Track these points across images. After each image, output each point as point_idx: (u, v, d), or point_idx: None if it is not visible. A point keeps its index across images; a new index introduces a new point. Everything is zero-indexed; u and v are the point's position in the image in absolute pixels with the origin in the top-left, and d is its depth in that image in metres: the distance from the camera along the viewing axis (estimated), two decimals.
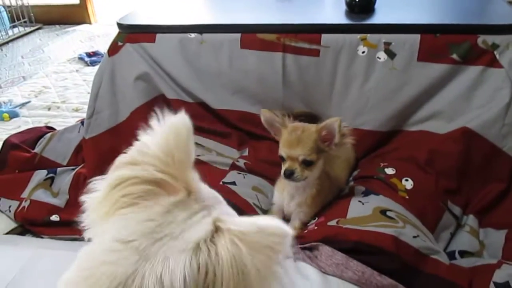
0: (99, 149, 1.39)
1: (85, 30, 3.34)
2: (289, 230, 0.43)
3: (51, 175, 1.39)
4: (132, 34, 1.44)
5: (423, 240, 0.96)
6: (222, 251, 0.41)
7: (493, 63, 1.20)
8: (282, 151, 1.03)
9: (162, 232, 0.43)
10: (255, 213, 1.11)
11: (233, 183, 1.18)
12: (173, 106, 1.44)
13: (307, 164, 1.01)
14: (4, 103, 2.11)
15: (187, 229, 0.44)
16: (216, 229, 0.43)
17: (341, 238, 0.93)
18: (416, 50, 1.24)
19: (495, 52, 1.20)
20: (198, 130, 1.42)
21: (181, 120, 0.50)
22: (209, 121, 1.42)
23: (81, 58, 2.66)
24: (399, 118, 1.30)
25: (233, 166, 1.28)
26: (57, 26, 3.49)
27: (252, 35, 1.34)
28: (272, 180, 1.22)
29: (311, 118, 1.29)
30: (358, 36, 1.28)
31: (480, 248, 1.07)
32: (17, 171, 1.42)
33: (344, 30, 1.31)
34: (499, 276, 0.90)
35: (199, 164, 1.28)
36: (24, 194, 1.33)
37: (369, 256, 0.89)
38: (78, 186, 1.32)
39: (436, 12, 1.48)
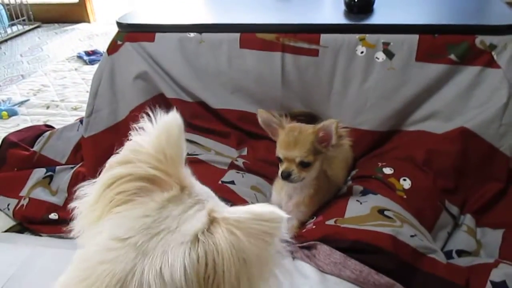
0: (98, 148, 1.39)
1: (84, 29, 3.34)
2: (283, 215, 0.44)
3: (50, 173, 1.39)
4: (131, 33, 1.44)
5: (420, 239, 0.97)
6: (220, 240, 0.42)
7: (491, 63, 1.20)
8: (279, 152, 1.03)
9: (158, 227, 0.44)
10: None
11: (232, 182, 1.18)
12: (172, 105, 1.44)
13: (304, 165, 1.01)
14: (3, 101, 2.11)
15: (183, 223, 0.45)
16: (212, 220, 0.44)
17: (339, 237, 0.94)
18: (415, 50, 1.24)
19: (493, 53, 1.20)
20: (197, 129, 1.42)
21: (172, 118, 0.51)
22: (208, 120, 1.43)
23: (80, 57, 2.66)
24: (397, 118, 1.30)
25: (232, 166, 1.28)
26: (56, 24, 3.49)
27: (251, 35, 1.35)
28: (271, 180, 1.22)
29: (310, 118, 1.30)
30: (357, 36, 1.28)
31: (477, 247, 1.08)
32: (16, 169, 1.42)
33: (343, 30, 1.31)
34: (496, 275, 0.91)
35: (198, 163, 1.30)
36: (23, 192, 1.33)
37: (367, 255, 0.89)
38: (77, 184, 1.31)
39: (434, 13, 1.48)
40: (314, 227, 1.02)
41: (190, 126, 1.43)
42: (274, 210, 0.44)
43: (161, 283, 0.41)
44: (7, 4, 3.22)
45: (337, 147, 1.03)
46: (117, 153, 0.51)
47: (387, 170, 1.18)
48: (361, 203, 1.04)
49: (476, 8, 1.47)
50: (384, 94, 1.29)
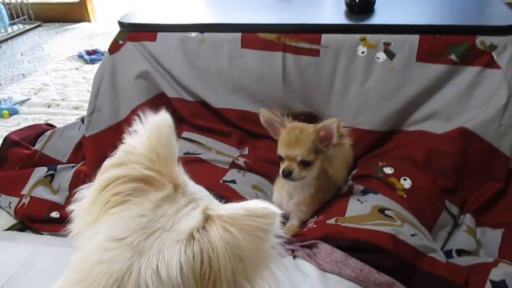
0: (99, 147, 1.40)
1: (85, 28, 3.34)
2: (277, 211, 0.44)
3: (51, 172, 1.39)
4: (133, 32, 1.44)
5: (420, 239, 0.97)
6: (215, 237, 0.43)
7: (491, 64, 1.21)
8: (281, 151, 1.04)
9: (154, 226, 0.44)
10: None
11: (233, 181, 1.19)
12: (174, 104, 1.44)
13: (305, 164, 1.02)
14: (4, 100, 2.11)
15: (178, 221, 0.45)
16: (207, 218, 0.44)
17: (340, 236, 0.94)
18: (415, 51, 1.25)
19: (493, 53, 1.21)
20: (198, 128, 1.43)
21: (162, 118, 0.51)
22: (209, 119, 1.43)
23: (80, 56, 2.66)
24: (398, 118, 1.31)
25: (233, 165, 1.28)
26: (57, 24, 3.48)
27: (252, 35, 1.35)
28: (272, 179, 1.22)
29: (311, 117, 1.31)
30: (358, 36, 1.29)
31: (477, 247, 1.08)
32: (17, 167, 1.43)
33: (344, 30, 1.32)
34: (495, 274, 0.91)
35: (199, 162, 1.30)
36: (24, 191, 1.33)
37: (368, 254, 0.90)
38: (78, 183, 1.32)
39: (435, 13, 1.49)
40: (315, 226, 1.03)
41: (191, 125, 1.44)
42: (267, 206, 0.44)
43: (158, 282, 0.41)
44: (8, 3, 3.22)
45: (338, 147, 1.03)
46: (112, 155, 0.52)
47: (388, 170, 1.18)
48: (361, 203, 1.05)
49: (477, 8, 1.48)
50: (385, 94, 1.29)
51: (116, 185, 0.47)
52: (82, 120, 1.56)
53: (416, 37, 1.25)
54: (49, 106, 2.07)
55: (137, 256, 0.42)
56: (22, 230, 1.28)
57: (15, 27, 3.27)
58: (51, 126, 1.69)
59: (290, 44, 1.32)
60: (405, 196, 1.10)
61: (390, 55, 1.27)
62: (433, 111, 1.27)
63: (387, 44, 1.27)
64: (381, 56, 1.28)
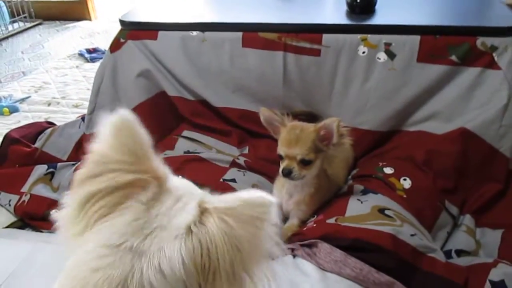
0: None
1: (85, 27, 3.34)
2: (272, 199, 0.44)
3: (51, 170, 1.39)
4: (134, 31, 1.45)
5: (420, 239, 0.97)
6: (213, 229, 0.43)
7: (492, 65, 1.21)
8: (281, 150, 1.04)
9: (150, 226, 0.44)
10: None
11: (233, 180, 1.19)
12: (174, 103, 1.45)
13: (305, 163, 1.02)
14: (4, 98, 2.11)
15: (174, 217, 0.45)
16: (203, 211, 0.44)
17: (340, 235, 0.94)
18: (416, 51, 1.25)
19: (494, 54, 1.21)
20: (199, 127, 1.43)
21: (122, 115, 0.49)
22: (209, 118, 1.43)
23: (81, 54, 2.66)
24: (398, 118, 1.31)
25: (233, 164, 1.28)
26: (57, 22, 3.48)
27: (253, 34, 1.35)
28: (272, 178, 1.22)
29: (311, 117, 1.31)
30: (359, 36, 1.29)
31: (477, 247, 1.08)
32: (17, 165, 1.43)
33: (345, 30, 1.32)
34: (495, 274, 0.91)
35: (200, 161, 1.30)
36: (24, 189, 1.33)
37: (367, 253, 0.90)
38: None
39: (436, 14, 1.49)
40: (314, 225, 1.03)
41: (191, 124, 1.44)
42: (262, 195, 0.44)
43: (162, 279, 0.41)
44: (9, 1, 3.21)
45: (338, 146, 1.03)
46: (80, 168, 0.50)
47: (388, 170, 1.18)
48: (361, 202, 1.05)
49: (477, 9, 1.48)
50: (385, 94, 1.30)
51: (99, 198, 0.45)
52: (83, 118, 1.56)
53: (417, 37, 1.25)
54: (49, 104, 2.06)
55: (137, 258, 0.42)
56: (22, 227, 1.28)
57: (15, 25, 3.27)
58: (51, 124, 1.69)
59: (291, 44, 1.32)
60: (405, 196, 1.10)
61: (391, 55, 1.27)
62: (434, 111, 1.27)
63: (388, 45, 1.27)
64: (382, 56, 1.28)
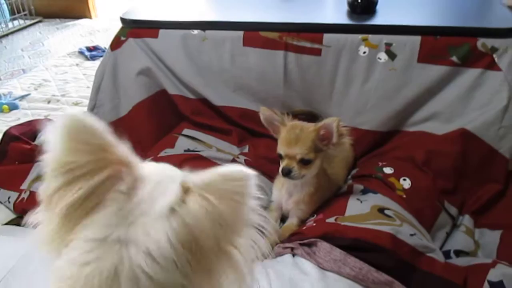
0: None
1: (86, 25, 3.34)
2: (250, 172, 0.44)
3: None
4: (135, 29, 1.45)
5: (419, 239, 0.97)
6: (194, 207, 0.43)
7: (492, 66, 1.22)
8: (281, 149, 1.04)
9: (134, 214, 0.44)
10: None
11: None
12: (175, 101, 1.44)
13: (305, 162, 1.02)
14: (4, 95, 2.10)
15: (157, 200, 0.45)
16: (185, 190, 0.44)
17: (339, 235, 0.94)
18: (417, 52, 1.25)
19: (494, 55, 1.22)
20: (199, 126, 1.43)
21: (68, 116, 0.46)
22: (210, 117, 1.44)
23: (81, 52, 2.65)
24: (398, 118, 1.31)
25: (234, 162, 1.28)
26: (58, 19, 3.48)
27: (255, 33, 1.35)
28: (272, 177, 1.22)
29: (311, 116, 1.31)
30: (360, 36, 1.29)
31: (475, 248, 1.09)
32: (16, 162, 1.42)
33: (346, 30, 1.32)
34: (493, 275, 0.91)
35: (200, 159, 1.30)
36: (24, 186, 1.33)
37: (367, 253, 0.90)
38: None
39: (437, 15, 1.49)
40: (314, 224, 1.03)
41: (192, 122, 1.44)
42: (241, 168, 0.44)
43: (152, 262, 0.42)
44: None
45: (338, 146, 1.04)
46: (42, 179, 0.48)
47: (387, 170, 1.19)
48: (361, 202, 1.05)
49: (478, 11, 1.48)
50: (386, 94, 1.30)
51: (79, 205, 0.44)
52: None
53: (418, 38, 1.25)
54: (49, 102, 2.06)
55: (125, 246, 0.42)
56: (20, 225, 1.28)
57: (15, 22, 3.27)
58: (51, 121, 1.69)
59: (292, 43, 1.33)
60: (404, 196, 1.11)
61: (391, 55, 1.28)
62: (434, 112, 1.28)
63: (388, 45, 1.27)
64: (383, 56, 1.28)
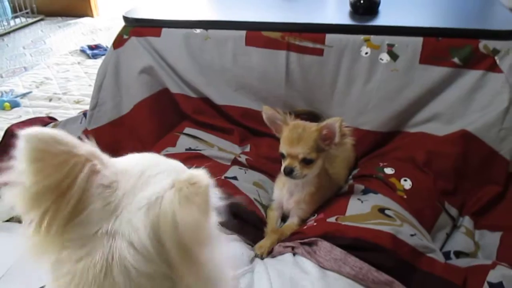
0: (101, 141, 1.37)
1: (87, 23, 3.34)
2: (205, 180, 0.44)
3: None
4: (138, 27, 1.45)
5: (420, 239, 0.98)
6: (166, 202, 0.44)
7: (494, 68, 1.22)
8: (283, 148, 1.04)
9: (120, 206, 0.45)
10: (256, 208, 1.12)
11: (235, 178, 1.19)
12: (177, 100, 1.45)
13: (307, 162, 1.02)
14: (6, 92, 2.11)
15: (140, 191, 0.46)
16: (171, 186, 0.45)
17: (340, 234, 0.95)
18: (419, 53, 1.26)
19: (496, 57, 1.22)
20: (201, 125, 1.43)
21: (25, 137, 0.45)
22: (211, 116, 1.44)
23: (83, 51, 2.66)
24: (399, 119, 1.32)
25: (235, 161, 1.29)
26: (59, 18, 3.49)
27: (257, 33, 1.36)
28: (273, 177, 1.23)
29: (313, 116, 1.31)
30: (362, 37, 1.30)
31: (475, 249, 1.09)
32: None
33: (348, 30, 1.33)
34: (493, 276, 0.91)
35: (201, 158, 1.30)
36: None
37: (367, 252, 0.90)
38: None
39: (439, 16, 1.50)
40: (315, 224, 1.03)
41: (193, 121, 1.45)
42: (199, 174, 0.44)
43: (134, 252, 0.43)
44: None
45: (340, 146, 1.04)
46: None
47: (388, 170, 1.19)
48: (362, 202, 1.05)
49: (480, 13, 1.49)
50: (387, 95, 1.30)
51: (68, 219, 0.44)
52: (84, 114, 1.57)
53: (420, 39, 1.26)
54: (50, 100, 2.07)
55: (112, 238, 0.43)
56: (22, 222, 1.28)
57: (17, 20, 3.27)
58: (53, 119, 1.69)
59: (294, 43, 1.33)
60: (405, 196, 1.11)
61: (393, 56, 1.28)
62: (435, 113, 1.28)
63: (390, 46, 1.28)
64: (385, 57, 1.29)
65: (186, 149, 1.33)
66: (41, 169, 0.43)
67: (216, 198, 0.46)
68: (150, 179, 0.47)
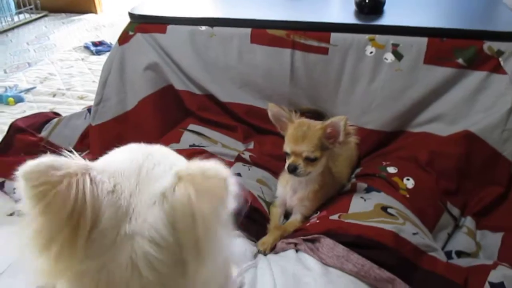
0: (105, 136, 1.40)
1: (91, 20, 3.35)
2: (226, 173, 0.45)
3: None
4: (143, 24, 1.46)
5: (422, 238, 0.98)
6: (179, 195, 0.44)
7: (498, 69, 1.22)
8: (287, 146, 1.05)
9: (130, 208, 0.46)
10: (260, 205, 1.13)
11: (238, 174, 1.19)
12: (181, 96, 1.45)
13: (311, 160, 1.03)
14: (10, 87, 2.11)
15: (147, 187, 0.46)
16: (179, 178, 0.46)
17: (343, 231, 0.95)
18: (423, 53, 1.26)
19: (500, 59, 1.22)
20: (205, 121, 1.44)
21: (26, 170, 0.46)
22: (216, 113, 1.44)
23: (86, 47, 2.67)
24: (403, 118, 1.32)
25: (239, 158, 1.29)
26: (63, 14, 3.49)
27: (262, 31, 1.36)
28: (276, 174, 1.23)
29: (317, 115, 1.32)
30: (367, 36, 1.30)
31: (477, 249, 1.09)
32: (22, 154, 1.43)
33: (353, 29, 1.33)
34: (494, 276, 0.92)
35: (205, 155, 1.30)
36: None
37: (369, 250, 0.91)
38: None
39: (444, 17, 1.50)
40: (318, 221, 1.04)
41: (197, 118, 1.45)
42: (218, 167, 0.45)
43: (156, 247, 0.44)
44: None
45: (344, 145, 1.04)
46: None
47: (391, 169, 1.19)
48: (365, 200, 1.06)
49: (485, 14, 1.49)
50: (391, 94, 1.30)
51: (81, 245, 0.44)
52: (89, 109, 1.57)
53: (424, 39, 1.26)
54: (54, 95, 2.07)
55: (131, 239, 0.44)
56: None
57: (21, 16, 3.28)
58: (57, 114, 1.70)
59: (299, 41, 1.33)
60: (407, 196, 1.11)
61: (398, 56, 1.28)
62: (438, 113, 1.28)
63: (395, 45, 1.28)
64: (389, 57, 1.29)
65: (190, 146, 1.34)
66: (49, 204, 0.43)
67: (233, 186, 0.47)
68: (149, 173, 0.48)
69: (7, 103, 1.96)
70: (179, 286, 0.47)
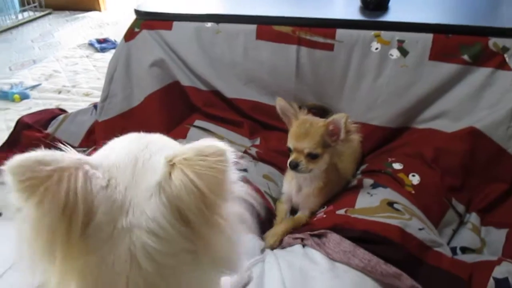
0: (111, 132, 1.39)
1: (95, 17, 3.36)
2: (223, 147, 0.44)
3: None
4: (149, 21, 1.46)
5: (427, 233, 0.98)
6: (176, 182, 0.44)
7: (503, 65, 1.22)
8: (290, 142, 1.06)
9: (126, 201, 0.45)
10: (266, 201, 1.13)
11: (245, 170, 1.20)
12: (187, 93, 1.46)
13: (312, 157, 1.03)
14: (15, 84, 2.12)
15: (142, 179, 0.46)
16: (172, 165, 0.45)
17: (349, 226, 0.96)
18: (428, 49, 1.26)
19: (505, 55, 1.22)
20: (211, 117, 1.45)
21: (12, 164, 0.43)
22: (221, 109, 1.45)
23: (91, 44, 2.67)
24: (408, 115, 1.32)
25: (245, 154, 1.30)
26: (67, 12, 3.50)
27: (268, 27, 1.37)
28: (282, 170, 1.24)
29: (322, 111, 1.32)
30: (372, 32, 1.30)
31: (481, 245, 1.09)
32: (29, 149, 1.44)
33: (358, 26, 1.33)
34: (499, 272, 0.92)
35: None
36: None
37: (376, 245, 0.91)
38: None
39: (449, 13, 1.50)
40: (324, 216, 1.04)
41: (203, 114, 1.46)
42: (213, 144, 0.45)
43: (157, 239, 0.44)
44: None
45: (346, 142, 1.05)
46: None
47: (397, 166, 1.20)
48: (371, 195, 1.06)
49: (490, 10, 1.49)
50: (396, 91, 1.31)
51: (75, 242, 0.43)
52: (95, 106, 1.58)
53: (430, 36, 1.26)
54: (59, 92, 2.08)
55: (129, 232, 0.44)
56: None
57: (25, 14, 3.29)
58: (63, 111, 1.71)
59: (304, 38, 1.34)
60: (413, 192, 1.11)
61: (403, 52, 1.29)
62: (444, 110, 1.28)
63: (401, 42, 1.28)
64: (395, 53, 1.29)
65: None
66: (40, 200, 0.41)
67: (233, 156, 0.46)
68: (146, 164, 0.47)
69: (13, 100, 1.97)
70: (181, 275, 0.47)
